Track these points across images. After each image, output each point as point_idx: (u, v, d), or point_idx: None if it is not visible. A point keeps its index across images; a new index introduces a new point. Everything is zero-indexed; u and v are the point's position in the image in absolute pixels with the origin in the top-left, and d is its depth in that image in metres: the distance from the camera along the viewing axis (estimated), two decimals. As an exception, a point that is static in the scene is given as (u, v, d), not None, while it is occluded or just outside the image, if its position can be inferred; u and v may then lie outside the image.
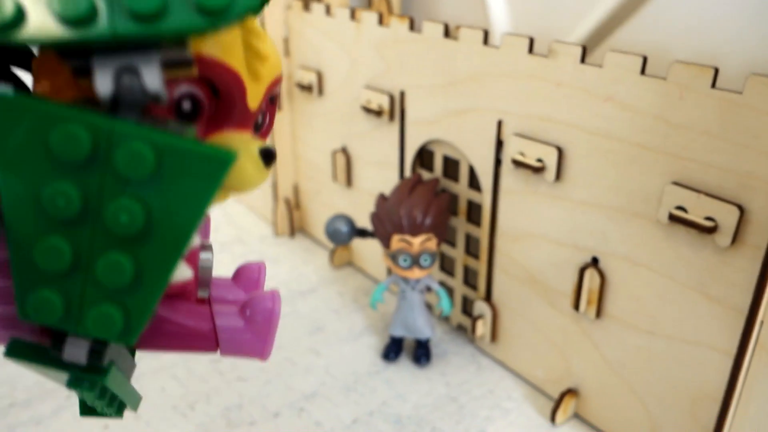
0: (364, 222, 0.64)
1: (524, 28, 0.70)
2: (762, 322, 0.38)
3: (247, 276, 0.26)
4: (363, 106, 0.65)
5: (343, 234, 0.60)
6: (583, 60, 0.45)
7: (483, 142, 0.54)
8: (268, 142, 0.23)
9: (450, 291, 0.66)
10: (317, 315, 0.69)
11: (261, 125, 0.23)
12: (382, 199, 0.59)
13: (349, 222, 0.61)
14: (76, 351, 0.19)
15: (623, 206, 0.45)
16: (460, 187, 0.59)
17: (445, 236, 0.59)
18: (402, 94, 0.61)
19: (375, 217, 0.59)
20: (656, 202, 0.42)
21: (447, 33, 0.54)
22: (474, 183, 0.58)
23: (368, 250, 0.75)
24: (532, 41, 0.48)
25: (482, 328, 0.60)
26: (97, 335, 0.18)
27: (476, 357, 0.62)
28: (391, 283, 0.61)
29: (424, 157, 0.63)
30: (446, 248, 0.64)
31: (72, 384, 0.19)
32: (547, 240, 0.51)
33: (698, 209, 0.39)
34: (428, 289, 0.60)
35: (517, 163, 0.50)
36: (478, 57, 0.52)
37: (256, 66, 0.21)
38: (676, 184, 0.41)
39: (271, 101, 0.23)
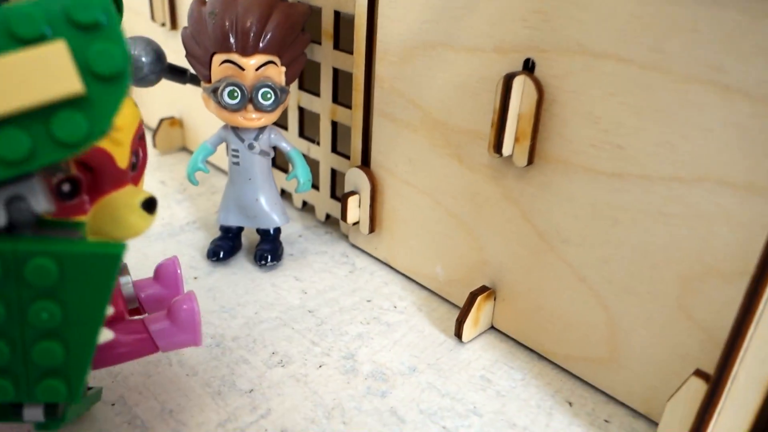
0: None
1: None
2: None
3: (165, 273, 0.29)
4: None
5: (142, 66, 0.38)
6: None
7: None
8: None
9: (314, 167, 0.46)
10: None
11: (136, 164, 0.24)
12: (198, 3, 0.37)
13: (155, 50, 0.39)
14: (34, 412, 0.23)
15: (583, -49, 0.26)
16: (324, -6, 0.39)
17: (299, 68, 0.38)
18: None
19: (187, 35, 0.37)
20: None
21: None
22: (343, -19, 0.37)
23: (208, 127, 0.53)
24: None
25: (356, 211, 0.41)
26: (47, 401, 0.22)
27: (350, 257, 0.43)
28: (220, 143, 0.40)
29: (271, -44, 0.42)
30: (307, 100, 0.43)
31: (38, 427, 0.23)
32: (455, 48, 0.32)
33: None
34: (275, 151, 0.40)
35: None
36: None
37: (115, 136, 0.22)
38: None
39: (140, 138, 0.25)
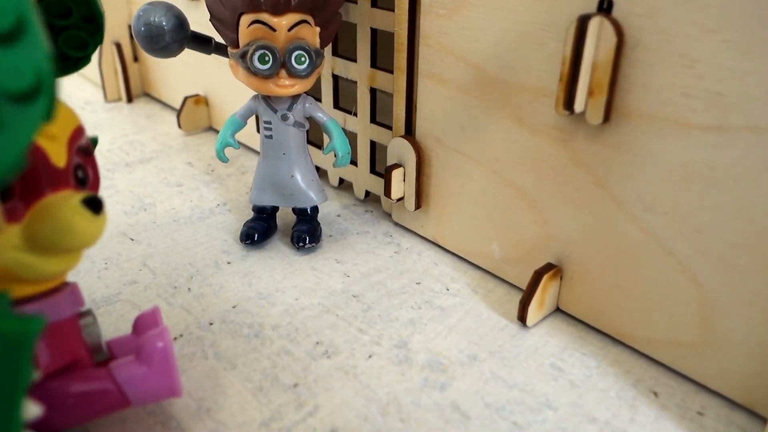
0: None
1: None
2: None
3: (145, 324, 0.25)
4: None
5: (163, 33, 0.35)
6: None
7: None
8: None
9: (351, 141, 0.42)
10: (143, 190, 0.44)
11: (85, 180, 0.22)
12: (222, -40, 0.34)
13: (176, 16, 0.35)
14: None
15: None
16: (359, -55, 0.35)
17: (334, 29, 0.35)
18: None
19: (211, -7, 0.34)
20: None
21: None
22: (381, -72, 0.34)
23: (235, 104, 0.50)
24: None
25: (400, 185, 0.37)
26: None
27: (394, 237, 0.39)
28: (250, 115, 0.36)
29: None
30: (342, 66, 0.40)
31: None
32: (513, -8, 0.28)
33: None
34: (308, 121, 0.36)
35: None
36: None
37: (50, 131, 0.20)
38: None
39: (85, 153, 0.23)
